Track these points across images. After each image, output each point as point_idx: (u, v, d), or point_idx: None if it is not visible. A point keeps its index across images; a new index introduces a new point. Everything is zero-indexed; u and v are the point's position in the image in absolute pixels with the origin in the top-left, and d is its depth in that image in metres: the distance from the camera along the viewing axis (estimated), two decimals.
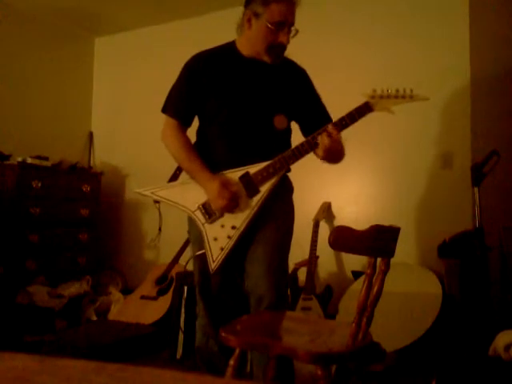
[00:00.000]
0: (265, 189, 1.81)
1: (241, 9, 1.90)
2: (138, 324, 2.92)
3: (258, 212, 1.82)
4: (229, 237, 1.81)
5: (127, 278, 3.98)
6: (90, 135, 4.44)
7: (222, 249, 1.81)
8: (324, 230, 3.08)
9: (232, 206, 1.80)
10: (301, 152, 1.81)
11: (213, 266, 1.81)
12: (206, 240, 1.84)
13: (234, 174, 1.84)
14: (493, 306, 2.37)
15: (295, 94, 1.93)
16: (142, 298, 3.16)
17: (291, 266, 3.09)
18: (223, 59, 1.90)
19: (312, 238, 2.97)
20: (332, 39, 3.36)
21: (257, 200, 1.82)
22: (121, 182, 4.19)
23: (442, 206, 2.90)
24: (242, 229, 1.81)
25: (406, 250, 2.89)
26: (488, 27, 3.13)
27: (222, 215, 1.84)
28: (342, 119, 1.79)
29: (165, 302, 3.06)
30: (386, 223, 1.41)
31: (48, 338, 2.62)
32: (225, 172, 1.85)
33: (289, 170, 1.98)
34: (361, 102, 1.75)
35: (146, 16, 3.99)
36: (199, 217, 1.87)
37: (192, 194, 1.88)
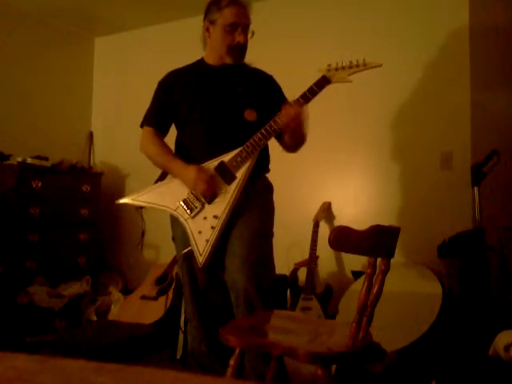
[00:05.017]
0: (241, 173, 1.86)
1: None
2: (138, 324, 2.92)
3: (237, 198, 1.86)
4: (212, 227, 1.84)
5: (127, 278, 3.98)
6: (90, 135, 4.44)
7: (207, 241, 1.83)
8: (324, 230, 3.08)
9: (211, 191, 1.85)
10: (269, 132, 1.85)
11: (200, 259, 1.83)
12: (190, 235, 1.86)
13: (209, 166, 1.90)
14: (493, 306, 2.37)
15: (261, 94, 2.03)
16: (142, 298, 3.16)
17: (291, 266, 3.10)
18: (192, 71, 2.06)
19: (312, 238, 2.97)
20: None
21: (235, 185, 1.86)
22: (121, 182, 4.19)
23: (441, 206, 2.90)
24: (224, 216, 1.84)
25: (406, 249, 2.89)
26: (488, 20, 3.13)
27: (203, 207, 1.87)
28: (303, 94, 1.84)
29: (165, 302, 3.06)
30: (386, 223, 1.41)
31: (48, 338, 2.62)
32: (201, 165, 1.91)
33: (268, 170, 2.03)
34: (318, 77, 1.84)
35: (146, 16, 3.99)
36: (181, 213, 1.91)
37: (171, 193, 1.93)
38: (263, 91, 2.04)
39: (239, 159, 1.86)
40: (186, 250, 1.93)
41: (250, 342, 1.44)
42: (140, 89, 4.18)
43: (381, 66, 1.83)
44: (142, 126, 2.09)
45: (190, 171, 1.86)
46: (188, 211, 1.89)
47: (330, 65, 1.83)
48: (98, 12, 3.96)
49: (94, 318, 3.21)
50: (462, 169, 2.76)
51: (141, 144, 2.05)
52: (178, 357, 2.56)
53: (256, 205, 1.94)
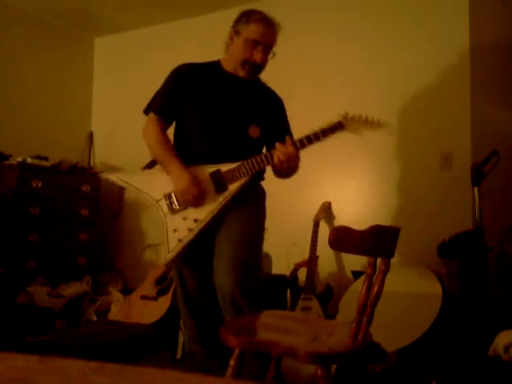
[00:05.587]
0: (233, 187, 1.87)
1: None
2: (138, 324, 2.92)
3: (222, 209, 1.87)
4: (190, 229, 1.85)
5: (127, 278, 3.98)
6: (90, 135, 4.44)
7: (179, 240, 1.84)
8: (324, 230, 3.08)
9: (198, 202, 1.86)
10: (273, 157, 1.86)
11: (167, 256, 1.84)
12: (165, 229, 1.87)
13: (205, 170, 1.90)
14: (492, 306, 2.37)
15: (267, 113, 2.04)
16: (142, 297, 3.16)
17: (291, 267, 3.10)
18: (206, 71, 2.04)
19: (312, 238, 2.97)
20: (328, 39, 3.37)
21: (224, 197, 1.87)
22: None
23: (442, 206, 2.90)
24: (204, 223, 1.85)
25: (406, 249, 2.88)
26: (488, 26, 3.13)
27: (186, 207, 1.88)
28: (316, 133, 1.86)
29: (165, 301, 3.06)
30: (386, 223, 1.41)
31: (48, 338, 2.62)
32: (196, 166, 1.91)
33: (262, 179, 2.06)
34: (334, 120, 1.89)
35: (146, 16, 3.99)
36: (162, 206, 1.91)
37: (158, 184, 1.93)
38: (270, 111, 2.05)
39: (236, 173, 1.87)
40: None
41: (250, 342, 1.44)
42: (140, 89, 4.19)
43: (391, 127, 1.90)
44: (146, 111, 2.05)
45: (184, 179, 1.85)
46: (170, 206, 1.90)
47: (347, 113, 1.87)
48: (98, 12, 3.95)
49: (94, 318, 3.20)
50: (462, 169, 2.76)
51: (144, 131, 2.01)
52: (178, 357, 2.56)
53: (247, 208, 1.94)
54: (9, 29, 3.83)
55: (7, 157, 3.46)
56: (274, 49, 1.99)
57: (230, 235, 1.88)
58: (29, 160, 3.48)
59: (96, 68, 4.51)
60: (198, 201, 1.86)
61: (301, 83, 3.31)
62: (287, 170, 1.92)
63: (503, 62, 3.17)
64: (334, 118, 1.92)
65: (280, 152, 1.81)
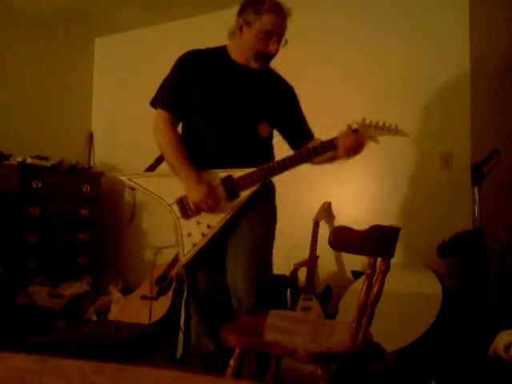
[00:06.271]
0: (245, 194, 1.85)
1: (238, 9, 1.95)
2: (138, 324, 2.92)
3: (234, 215, 1.86)
4: (203, 234, 1.85)
5: (127, 278, 3.98)
6: (90, 135, 4.44)
7: (194, 244, 1.84)
8: (324, 230, 3.08)
9: (211, 211, 1.85)
10: (287, 165, 1.83)
11: (183, 259, 1.85)
12: (179, 233, 1.87)
13: (217, 175, 1.87)
14: (493, 306, 2.37)
15: (280, 103, 1.99)
16: (142, 298, 3.16)
17: (291, 267, 3.10)
18: (214, 60, 1.95)
19: (312, 238, 2.97)
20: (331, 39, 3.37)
21: (236, 204, 1.85)
22: (121, 182, 4.18)
23: (442, 206, 2.90)
24: (217, 229, 1.85)
25: (406, 250, 2.89)
26: (488, 24, 3.13)
27: (199, 213, 1.87)
28: (331, 140, 1.84)
29: (165, 301, 3.06)
30: (386, 223, 1.41)
31: (48, 338, 2.62)
32: (207, 171, 1.88)
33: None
34: (350, 129, 1.84)
35: (146, 16, 4.00)
36: (175, 210, 1.90)
37: (171, 188, 1.90)
38: (284, 103, 2.00)
39: (248, 180, 1.83)
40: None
41: (249, 342, 1.44)
42: (140, 89, 4.19)
43: (408, 136, 1.85)
44: (152, 103, 1.97)
45: (201, 191, 1.81)
46: (182, 211, 1.88)
47: (364, 119, 1.82)
48: (98, 12, 3.96)
49: (94, 318, 3.20)
50: (462, 169, 2.76)
51: (154, 128, 1.93)
52: (178, 357, 2.56)
53: (259, 211, 1.91)
54: (9, 29, 3.83)
55: (7, 157, 3.46)
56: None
57: (244, 243, 1.86)
58: (29, 160, 3.48)
59: (96, 68, 4.51)
60: (211, 211, 1.85)
61: (304, 79, 3.31)
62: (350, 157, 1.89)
63: (504, 61, 3.17)
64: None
65: (345, 141, 1.77)
